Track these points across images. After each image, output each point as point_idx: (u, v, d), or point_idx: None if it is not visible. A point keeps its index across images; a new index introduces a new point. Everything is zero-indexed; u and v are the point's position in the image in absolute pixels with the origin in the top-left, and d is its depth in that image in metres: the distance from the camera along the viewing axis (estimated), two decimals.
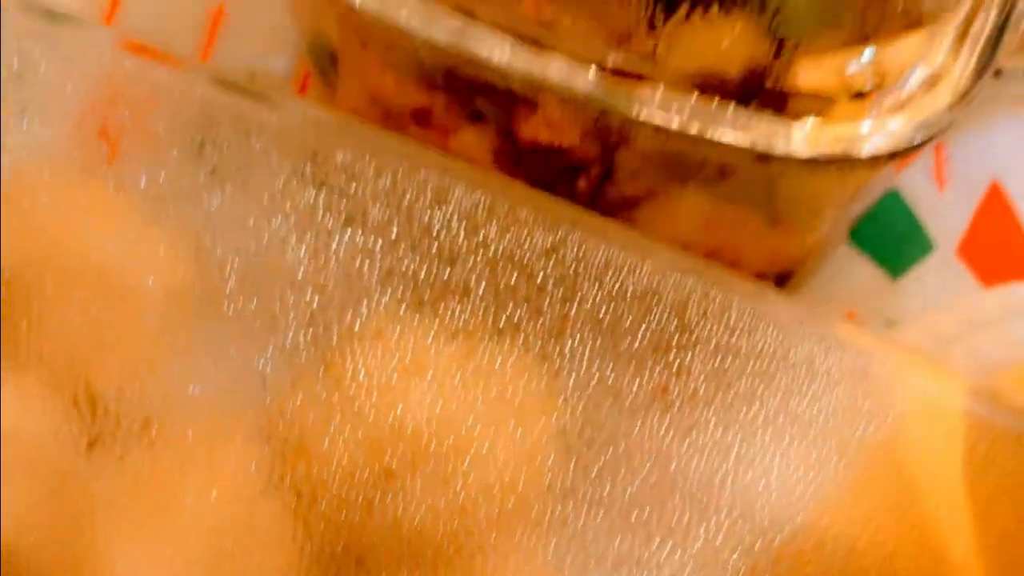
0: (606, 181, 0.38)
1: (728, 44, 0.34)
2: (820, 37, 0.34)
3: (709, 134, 0.33)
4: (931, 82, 0.34)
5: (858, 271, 0.45)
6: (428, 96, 0.38)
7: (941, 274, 0.45)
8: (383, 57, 0.37)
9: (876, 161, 0.34)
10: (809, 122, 0.33)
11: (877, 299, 0.44)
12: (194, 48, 0.47)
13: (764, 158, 0.33)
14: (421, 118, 0.39)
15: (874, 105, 0.34)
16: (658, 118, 0.33)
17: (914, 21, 0.34)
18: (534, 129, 0.36)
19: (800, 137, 0.33)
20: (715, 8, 0.33)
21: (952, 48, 0.34)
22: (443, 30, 0.34)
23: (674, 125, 0.33)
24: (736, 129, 0.33)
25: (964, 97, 0.34)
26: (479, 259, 0.33)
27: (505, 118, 0.37)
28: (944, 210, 0.46)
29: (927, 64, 0.34)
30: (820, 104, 0.34)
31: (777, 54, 0.34)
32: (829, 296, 0.44)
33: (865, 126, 0.34)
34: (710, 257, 0.40)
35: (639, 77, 0.34)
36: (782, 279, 0.43)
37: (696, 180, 0.36)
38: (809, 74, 0.34)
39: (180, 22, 0.47)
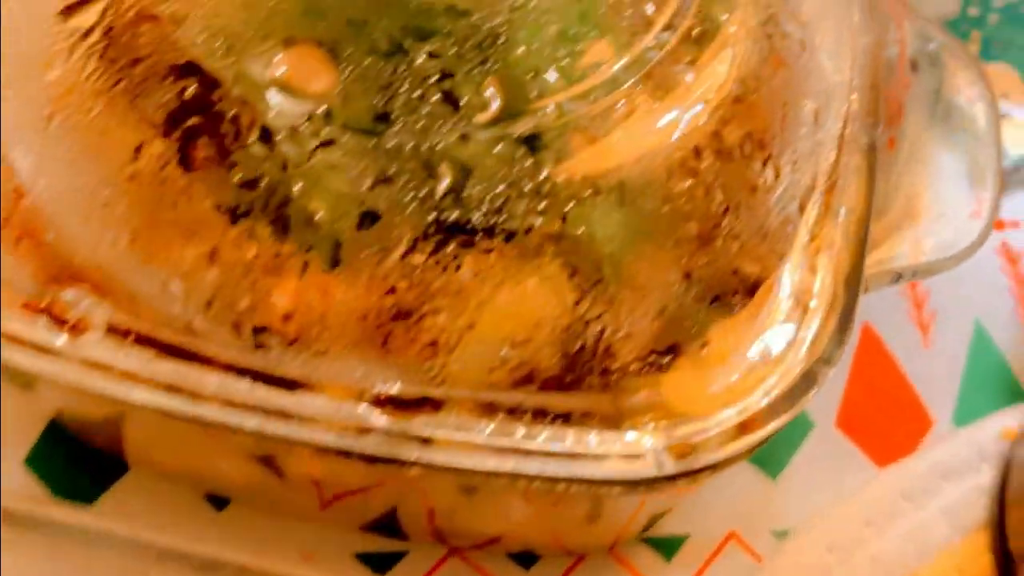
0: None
1: (535, 311, 0.26)
2: (647, 291, 0.27)
3: (519, 469, 0.25)
4: (787, 352, 0.27)
5: (735, 479, 0.37)
6: None
7: (826, 457, 0.38)
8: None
9: (741, 456, 0.27)
10: (650, 427, 0.26)
11: (761, 507, 0.37)
12: None
13: (597, 483, 0.26)
14: None
15: (729, 386, 0.26)
16: (452, 457, 0.25)
17: (757, 266, 0.27)
18: (299, 464, 0.28)
19: (641, 454, 0.25)
20: (509, 249, 0.25)
21: (804, 292, 0.27)
22: (141, 389, 0.25)
23: (473, 464, 0.25)
24: (552, 458, 0.25)
25: (831, 358, 0.27)
26: None
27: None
28: None
29: (774, 330, 0.27)
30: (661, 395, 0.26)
31: (598, 320, 0.26)
32: (708, 517, 0.37)
33: (724, 416, 0.26)
34: (556, 537, 0.33)
35: (431, 405, 0.26)
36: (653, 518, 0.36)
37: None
38: (640, 352, 0.27)
39: None
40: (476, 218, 0.25)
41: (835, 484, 0.38)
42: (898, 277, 0.30)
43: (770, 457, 0.38)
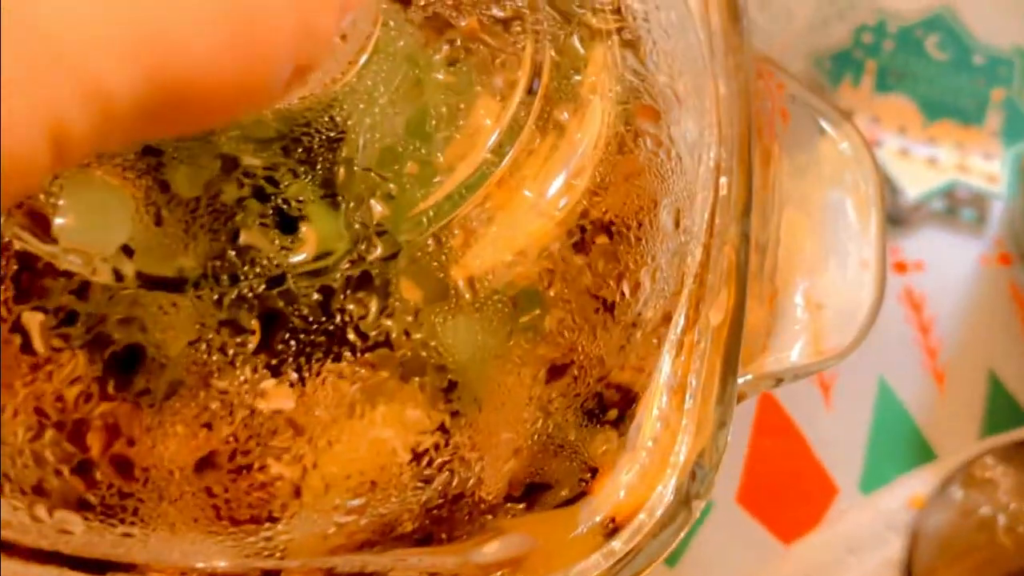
0: None
1: (369, 471, 0.23)
2: (500, 431, 0.24)
3: None
4: (655, 484, 0.25)
5: None
6: None
7: (728, 537, 0.36)
8: None
9: None
10: None
11: None
12: None
13: None
14: None
15: (593, 528, 0.24)
16: None
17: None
18: None
19: None
20: (327, 409, 0.23)
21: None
22: None
23: None
24: None
25: (701, 492, 0.25)
26: None
27: None
28: None
29: (641, 463, 0.25)
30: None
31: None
32: None
33: (590, 563, 0.24)
34: None
35: None
36: None
37: None
38: (495, 499, 0.24)
39: None
40: (292, 375, 0.22)
41: (739, 566, 0.36)
42: (779, 381, 0.28)
43: None
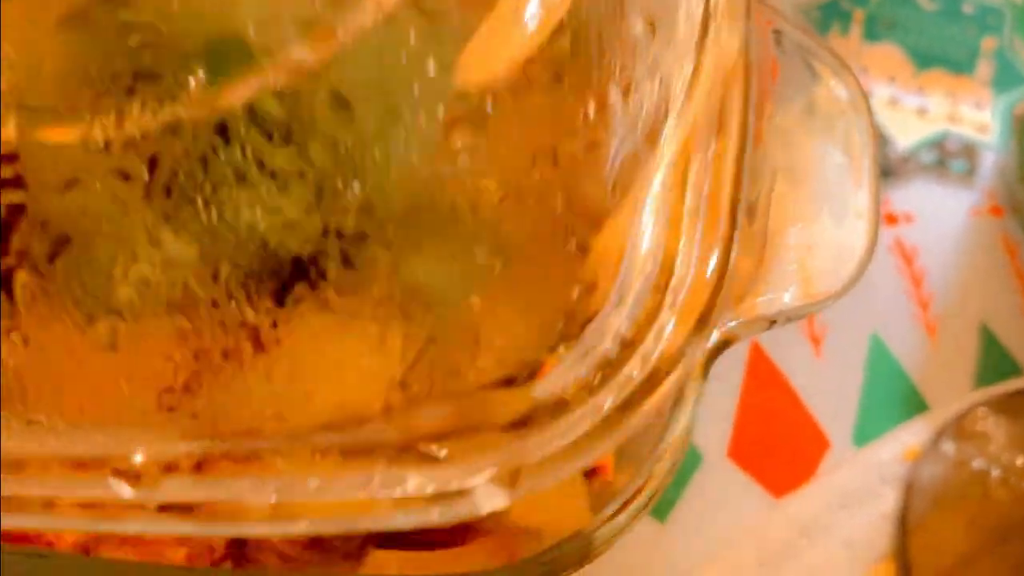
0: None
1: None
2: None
3: None
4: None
5: None
6: None
7: (718, 492, 0.34)
8: None
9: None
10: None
11: (649, 554, 0.33)
12: None
13: None
14: None
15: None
16: None
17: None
18: None
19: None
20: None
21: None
22: None
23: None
24: None
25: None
26: None
27: None
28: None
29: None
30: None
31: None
32: (591, 569, 0.33)
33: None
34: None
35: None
36: None
37: None
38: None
39: None
40: (192, 221, 0.20)
41: (730, 521, 0.34)
42: (771, 324, 0.26)
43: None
